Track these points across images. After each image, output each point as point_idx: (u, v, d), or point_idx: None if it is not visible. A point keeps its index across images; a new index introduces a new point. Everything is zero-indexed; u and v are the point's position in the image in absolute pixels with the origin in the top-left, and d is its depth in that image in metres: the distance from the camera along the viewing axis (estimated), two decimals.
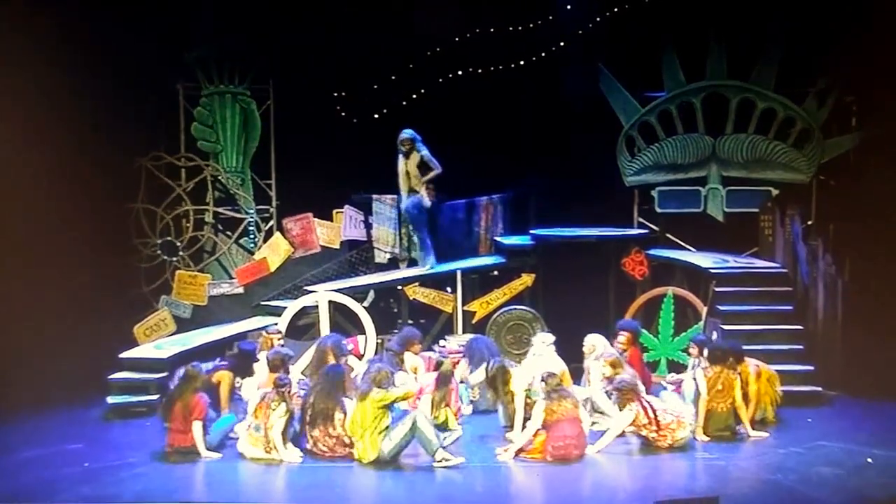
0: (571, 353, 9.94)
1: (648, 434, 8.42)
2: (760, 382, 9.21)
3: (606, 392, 9.07)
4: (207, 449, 8.23)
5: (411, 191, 11.59)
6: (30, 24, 10.34)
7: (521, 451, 8.25)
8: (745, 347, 9.49)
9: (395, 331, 11.85)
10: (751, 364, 9.25)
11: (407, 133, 11.50)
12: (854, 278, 10.67)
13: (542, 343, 9.57)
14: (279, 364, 9.06)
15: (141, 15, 11.46)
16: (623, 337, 9.84)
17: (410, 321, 11.77)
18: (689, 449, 8.41)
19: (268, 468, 8.09)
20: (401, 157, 11.56)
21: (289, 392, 8.36)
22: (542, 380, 8.43)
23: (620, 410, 8.53)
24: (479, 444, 8.74)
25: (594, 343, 9.63)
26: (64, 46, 10.47)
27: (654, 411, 8.42)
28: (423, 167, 11.51)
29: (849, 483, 7.56)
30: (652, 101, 12.50)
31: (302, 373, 9.92)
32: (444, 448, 8.04)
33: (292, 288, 12.11)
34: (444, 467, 7.87)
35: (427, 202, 11.61)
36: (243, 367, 9.26)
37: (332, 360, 9.37)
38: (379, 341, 11.20)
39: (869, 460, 8.08)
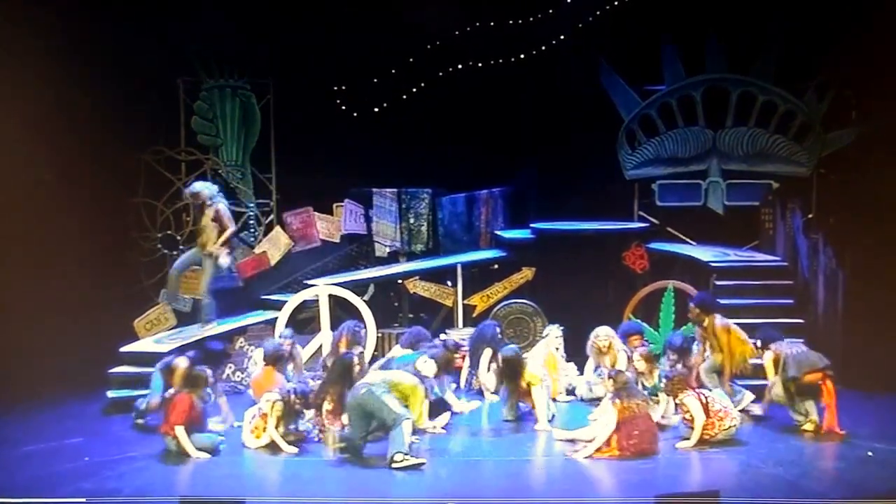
0: (572, 346, 9.95)
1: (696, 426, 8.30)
2: (732, 336, 9.23)
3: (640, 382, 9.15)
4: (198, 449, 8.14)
5: (203, 246, 10.32)
6: (28, 16, 10.29)
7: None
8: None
9: (396, 324, 11.85)
10: (718, 318, 9.34)
11: (196, 187, 10.38)
12: (855, 272, 10.63)
13: (556, 338, 9.96)
14: (277, 359, 9.04)
15: (140, 8, 11.41)
16: (636, 340, 9.88)
17: (411, 315, 11.76)
18: (733, 443, 8.33)
19: (270, 462, 8.07)
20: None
21: (303, 400, 8.38)
22: (610, 377, 8.37)
23: (674, 399, 8.53)
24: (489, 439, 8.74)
25: (609, 335, 9.78)
26: (62, 39, 10.45)
27: (706, 398, 8.39)
28: (218, 223, 10.23)
29: (850, 477, 7.53)
30: (652, 95, 12.45)
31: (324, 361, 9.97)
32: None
33: (292, 282, 12.08)
34: (403, 468, 7.66)
35: (224, 261, 10.30)
36: (208, 364, 8.92)
37: (343, 349, 9.47)
38: (379, 335, 11.17)
39: (870, 454, 8.05)
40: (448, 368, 9.17)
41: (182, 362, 8.84)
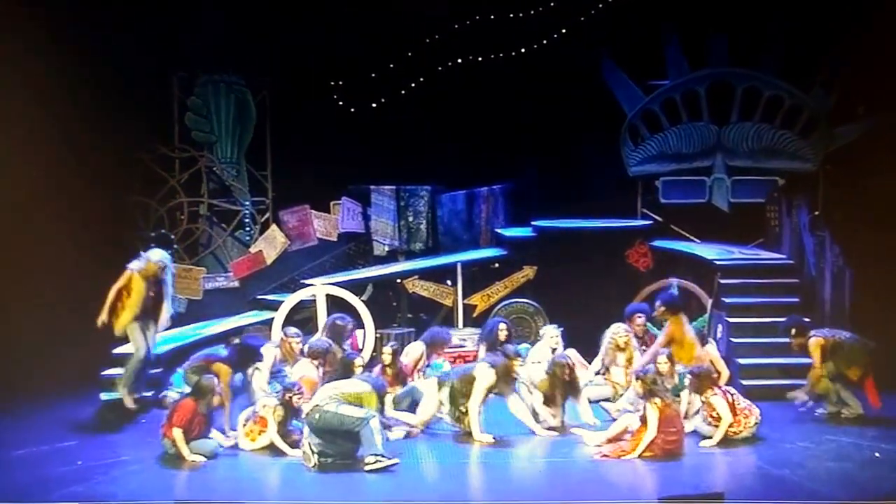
0: (574, 346, 9.97)
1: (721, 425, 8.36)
2: (686, 341, 9.40)
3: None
4: (194, 452, 8.15)
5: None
6: (19, 12, 10.28)
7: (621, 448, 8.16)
8: (750, 340, 9.54)
9: (394, 325, 11.87)
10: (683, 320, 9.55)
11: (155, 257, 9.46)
12: (862, 269, 10.66)
13: (553, 337, 9.91)
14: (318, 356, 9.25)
15: (134, 4, 11.42)
16: (641, 319, 9.90)
17: (410, 315, 11.78)
18: (739, 443, 8.38)
19: (267, 465, 8.08)
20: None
21: (294, 396, 8.40)
22: (637, 378, 8.37)
23: (699, 396, 8.56)
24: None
25: (628, 331, 9.88)
26: (55, 36, 10.44)
27: (731, 396, 8.47)
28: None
29: (857, 478, 7.54)
30: (656, 90, 12.46)
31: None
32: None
33: (289, 281, 12.10)
34: (377, 470, 7.68)
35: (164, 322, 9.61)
36: (244, 361, 9.12)
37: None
38: (378, 336, 11.19)
39: (878, 454, 8.07)
40: (508, 378, 8.76)
41: (224, 368, 8.86)
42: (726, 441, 8.35)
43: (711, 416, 8.45)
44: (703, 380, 8.50)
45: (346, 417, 7.80)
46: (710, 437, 8.38)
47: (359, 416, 7.79)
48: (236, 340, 9.85)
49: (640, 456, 8.00)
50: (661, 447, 8.01)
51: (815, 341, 8.99)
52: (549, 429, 8.84)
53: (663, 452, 8.00)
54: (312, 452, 7.89)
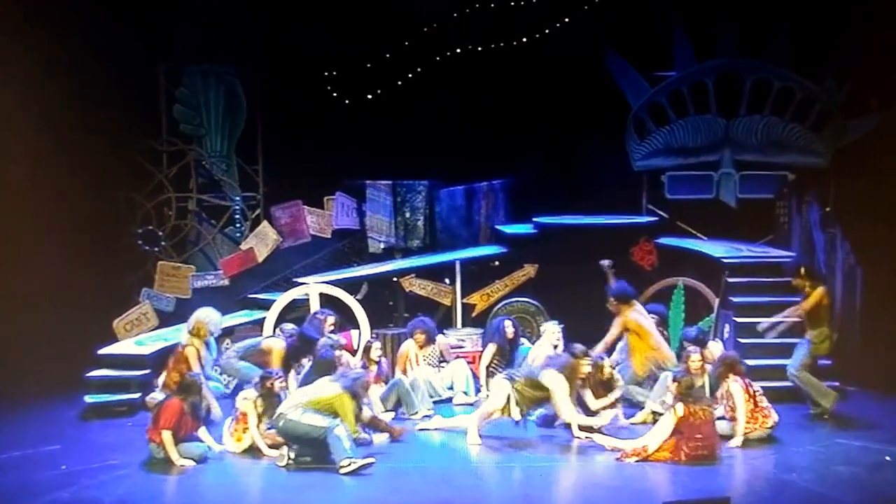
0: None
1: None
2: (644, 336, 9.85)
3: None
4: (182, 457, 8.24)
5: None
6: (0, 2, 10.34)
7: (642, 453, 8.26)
8: (758, 341, 9.64)
9: (391, 325, 11.93)
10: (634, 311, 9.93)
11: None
12: (874, 268, 10.73)
13: (553, 334, 10.15)
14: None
15: None
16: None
17: (407, 315, 11.82)
18: (762, 445, 8.53)
19: (257, 469, 8.16)
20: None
21: (274, 382, 8.55)
22: (675, 379, 8.44)
23: (721, 385, 8.74)
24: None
25: None
26: (39, 25, 10.49)
27: (753, 390, 8.65)
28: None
29: (867, 482, 7.63)
30: (662, 81, 12.50)
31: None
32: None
33: (281, 280, 12.14)
34: (352, 472, 7.86)
35: None
36: (300, 352, 9.65)
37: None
38: (374, 336, 11.24)
39: (888, 458, 8.15)
40: (575, 379, 8.81)
41: (277, 343, 9.42)
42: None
43: (730, 407, 8.62)
44: (726, 366, 8.70)
45: (309, 427, 8.04)
46: (731, 437, 8.54)
47: (322, 426, 8.00)
48: (290, 327, 10.16)
49: (660, 459, 8.11)
50: (686, 453, 8.11)
51: (822, 290, 9.30)
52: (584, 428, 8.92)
53: (688, 458, 8.09)
54: (289, 454, 8.13)
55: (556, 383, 8.63)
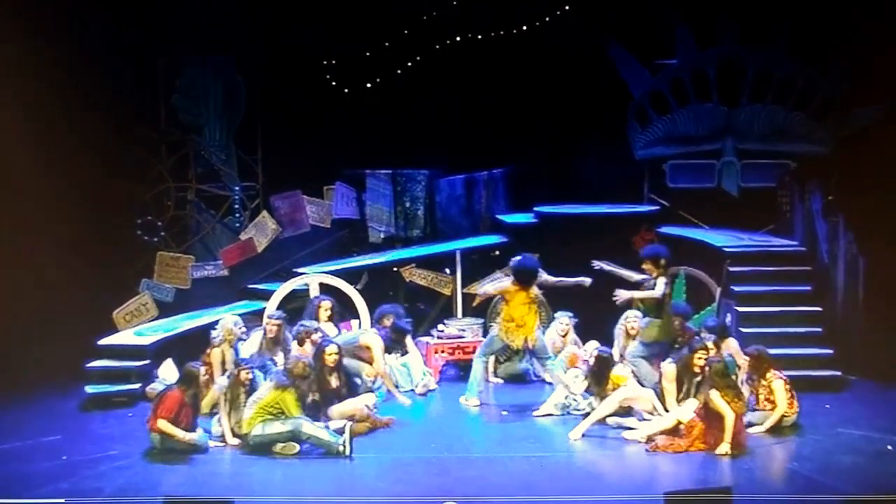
0: (580, 336, 10.09)
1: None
2: None
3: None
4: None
5: None
6: None
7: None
8: (760, 330, 9.64)
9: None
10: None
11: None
12: (876, 257, 10.74)
13: (562, 323, 10.30)
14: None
15: None
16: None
17: (407, 304, 11.85)
18: (763, 434, 8.57)
19: (258, 460, 8.18)
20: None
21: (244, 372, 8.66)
22: (709, 364, 8.45)
23: (755, 380, 8.78)
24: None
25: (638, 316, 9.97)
26: (37, 16, 10.47)
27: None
28: None
29: (869, 471, 7.66)
30: (663, 69, 12.50)
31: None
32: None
33: (281, 270, 12.15)
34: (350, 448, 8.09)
35: None
36: (394, 344, 10.00)
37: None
38: (374, 329, 11.27)
39: (889, 447, 8.18)
40: (687, 373, 8.86)
41: (375, 339, 9.71)
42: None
43: (768, 400, 8.66)
44: (762, 361, 8.72)
45: (275, 435, 8.20)
46: (759, 424, 8.59)
47: (287, 431, 8.16)
48: (387, 322, 10.30)
49: (676, 447, 8.18)
50: (708, 442, 8.15)
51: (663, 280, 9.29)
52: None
53: (707, 445, 8.16)
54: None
55: (666, 372, 8.85)
